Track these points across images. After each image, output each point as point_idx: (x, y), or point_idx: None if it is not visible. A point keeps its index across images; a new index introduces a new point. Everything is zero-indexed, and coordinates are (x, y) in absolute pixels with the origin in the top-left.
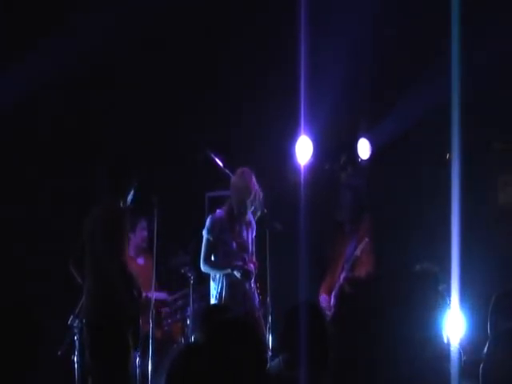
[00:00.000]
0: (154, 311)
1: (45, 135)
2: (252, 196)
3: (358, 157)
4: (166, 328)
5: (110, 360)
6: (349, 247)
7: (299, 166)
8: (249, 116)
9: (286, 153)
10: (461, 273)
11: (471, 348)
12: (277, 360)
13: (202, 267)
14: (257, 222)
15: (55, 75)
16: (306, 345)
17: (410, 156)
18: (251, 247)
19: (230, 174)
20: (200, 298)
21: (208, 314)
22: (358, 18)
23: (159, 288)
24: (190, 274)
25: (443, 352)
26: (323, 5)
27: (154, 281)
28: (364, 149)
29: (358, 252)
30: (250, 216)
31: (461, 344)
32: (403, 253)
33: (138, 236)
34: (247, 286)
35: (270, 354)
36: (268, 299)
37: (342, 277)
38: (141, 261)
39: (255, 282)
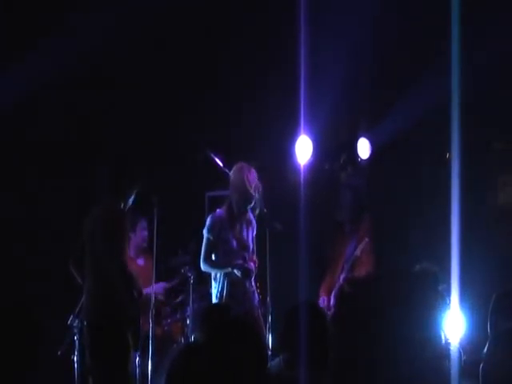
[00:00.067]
0: (153, 311)
1: (45, 135)
2: (251, 190)
3: (358, 156)
4: (165, 328)
5: (110, 360)
6: (349, 247)
7: (299, 165)
8: (249, 116)
9: (286, 152)
10: (461, 273)
11: (471, 348)
12: (277, 360)
13: (203, 267)
14: (256, 221)
15: (55, 75)
16: (306, 345)
17: (410, 156)
18: (251, 245)
19: (230, 174)
20: (200, 298)
21: (208, 314)
22: (358, 17)
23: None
24: (189, 274)
25: (443, 352)
26: (323, 5)
27: (153, 281)
28: (364, 148)
29: (357, 252)
30: (250, 215)
31: (461, 344)
32: (403, 253)
33: (138, 236)
34: (247, 285)
35: (269, 353)
36: (268, 299)
37: (341, 277)
38: (141, 261)
39: (255, 281)
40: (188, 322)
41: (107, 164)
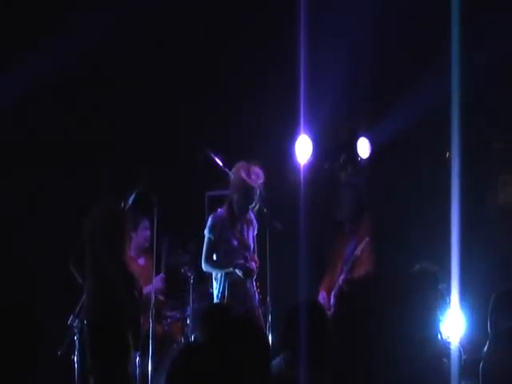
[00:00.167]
0: (153, 311)
1: (45, 135)
2: (252, 189)
3: (358, 156)
4: (165, 327)
5: (110, 360)
6: (349, 247)
7: (299, 165)
8: (249, 116)
9: (286, 152)
10: (461, 272)
11: (471, 347)
12: (277, 359)
13: (204, 267)
14: (257, 220)
15: (55, 75)
16: (306, 344)
17: (410, 156)
18: (252, 245)
19: (230, 174)
20: (200, 298)
21: (209, 313)
22: (358, 17)
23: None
24: (189, 274)
25: (443, 352)
26: (323, 5)
27: (153, 281)
28: (364, 148)
29: (357, 251)
30: (250, 214)
31: (461, 343)
32: (403, 253)
33: (140, 236)
34: (248, 285)
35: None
36: (268, 299)
37: (341, 278)
38: (141, 261)
39: (255, 281)
40: (188, 321)
41: (107, 164)
